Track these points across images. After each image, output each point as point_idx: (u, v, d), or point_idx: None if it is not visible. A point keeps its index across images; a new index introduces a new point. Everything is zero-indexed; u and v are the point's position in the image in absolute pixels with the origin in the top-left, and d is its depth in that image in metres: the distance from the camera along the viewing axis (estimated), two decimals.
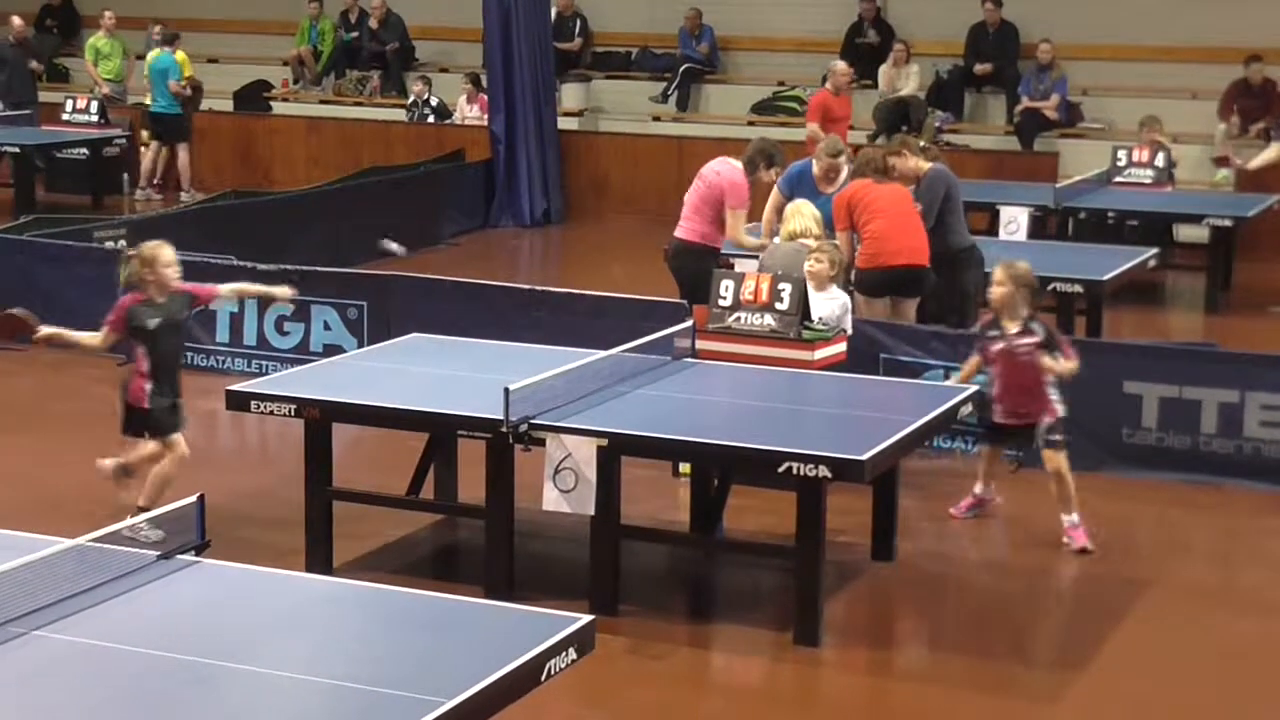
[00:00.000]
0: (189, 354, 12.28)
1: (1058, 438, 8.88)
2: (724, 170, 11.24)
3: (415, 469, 8.93)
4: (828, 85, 16.22)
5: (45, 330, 8.91)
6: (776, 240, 10.89)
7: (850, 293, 10.52)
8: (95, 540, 5.64)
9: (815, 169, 11.80)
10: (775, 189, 11.76)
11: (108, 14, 21.26)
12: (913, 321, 11.07)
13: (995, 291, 8.96)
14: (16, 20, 20.89)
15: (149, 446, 8.77)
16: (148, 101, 19.92)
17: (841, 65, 16.49)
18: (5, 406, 11.63)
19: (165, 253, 8.84)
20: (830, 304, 9.66)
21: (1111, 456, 10.00)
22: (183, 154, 19.81)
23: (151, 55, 19.79)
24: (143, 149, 19.88)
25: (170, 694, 4.81)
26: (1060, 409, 8.91)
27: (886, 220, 10.89)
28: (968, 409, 8.64)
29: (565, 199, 19.38)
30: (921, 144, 11.88)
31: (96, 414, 11.37)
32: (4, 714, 4.67)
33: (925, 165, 11.34)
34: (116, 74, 21.28)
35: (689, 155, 18.35)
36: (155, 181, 19.89)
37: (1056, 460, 8.87)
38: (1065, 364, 8.86)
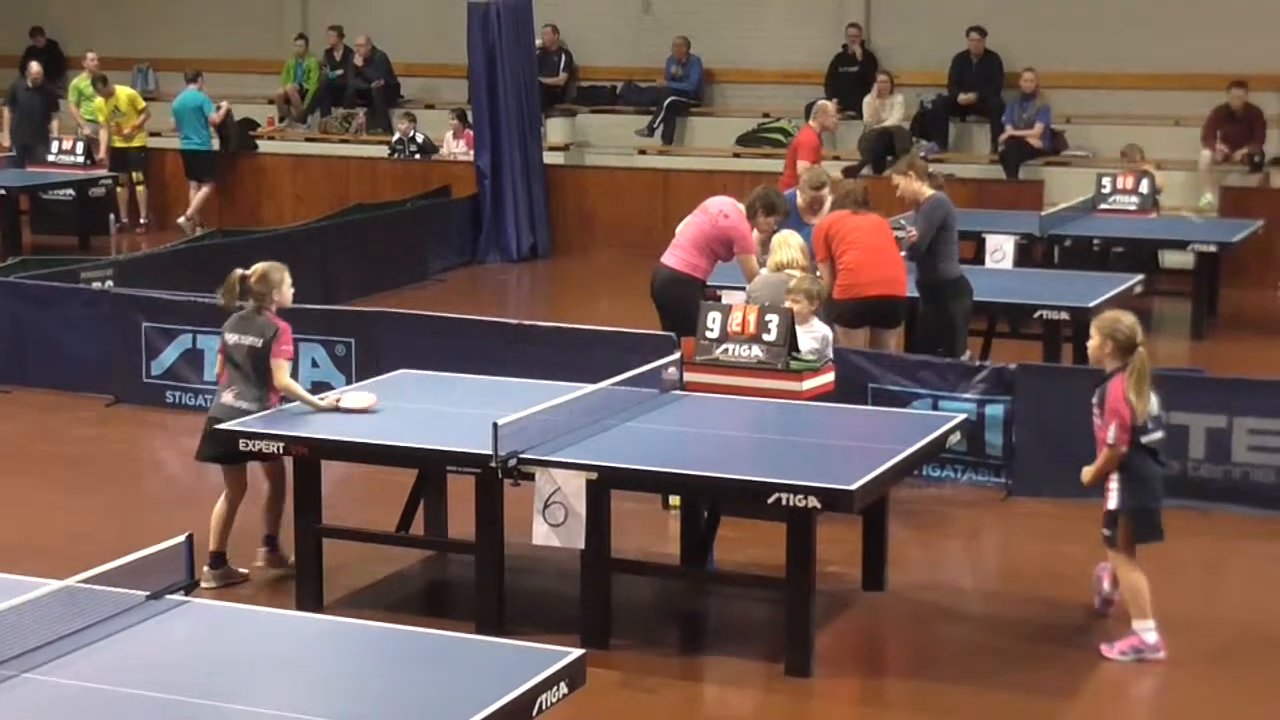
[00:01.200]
0: (177, 393, 12.31)
1: (1105, 532, 7.83)
2: (733, 216, 11.25)
3: (405, 505, 8.92)
4: (813, 123, 15.86)
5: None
6: (764, 271, 10.91)
7: (829, 324, 10.55)
8: (83, 581, 5.63)
9: (799, 201, 11.86)
10: None
11: (90, 55, 21.36)
12: (893, 351, 11.10)
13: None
14: (35, 66, 21.12)
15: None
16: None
17: (831, 106, 16.46)
18: None
19: (287, 274, 8.85)
20: (809, 340, 9.65)
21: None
22: (205, 190, 20.16)
23: (180, 95, 20.14)
24: (120, 190, 20.01)
25: None
26: (1112, 496, 7.78)
27: (862, 251, 10.92)
28: (956, 437, 8.65)
29: (552, 233, 19.41)
30: (929, 171, 11.89)
31: (83, 455, 11.39)
32: None
33: (928, 191, 11.37)
34: (97, 114, 21.32)
35: (675, 188, 18.42)
36: (125, 219, 20.07)
37: (1110, 558, 7.92)
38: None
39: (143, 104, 20.27)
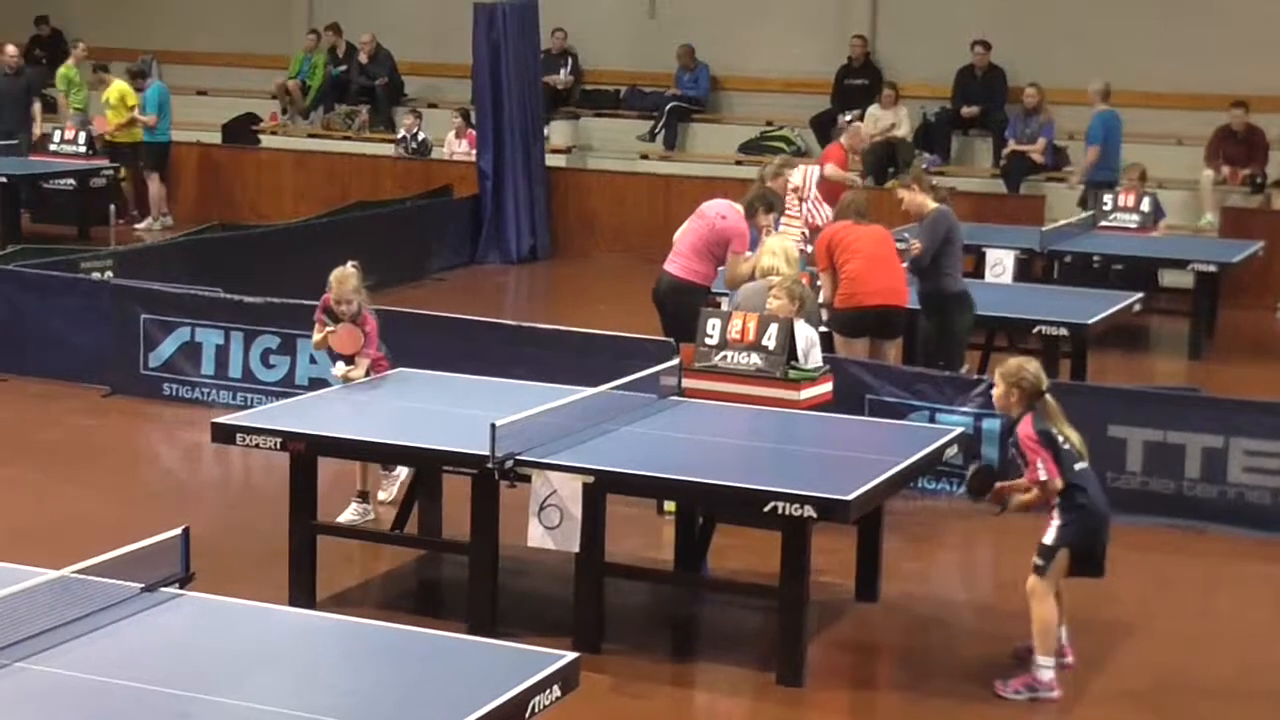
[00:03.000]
0: (174, 386, 12.30)
1: (1037, 562, 7.56)
2: (730, 216, 11.27)
3: (400, 504, 8.91)
4: (844, 140, 15.89)
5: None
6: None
7: (825, 333, 10.55)
8: (77, 572, 5.62)
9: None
10: None
11: (80, 44, 21.33)
12: (893, 362, 11.10)
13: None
14: (10, 49, 20.86)
15: None
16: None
17: (865, 130, 16.50)
18: None
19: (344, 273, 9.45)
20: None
21: None
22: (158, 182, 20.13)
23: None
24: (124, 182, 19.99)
25: None
26: (1052, 531, 7.56)
27: (864, 260, 10.94)
28: (953, 450, 8.65)
29: (552, 236, 19.40)
30: (933, 183, 11.89)
31: (79, 446, 11.38)
32: None
33: (931, 205, 11.37)
34: (85, 104, 21.29)
35: (676, 194, 18.41)
36: (134, 211, 20.06)
37: (1029, 584, 7.62)
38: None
39: (134, 100, 20.08)
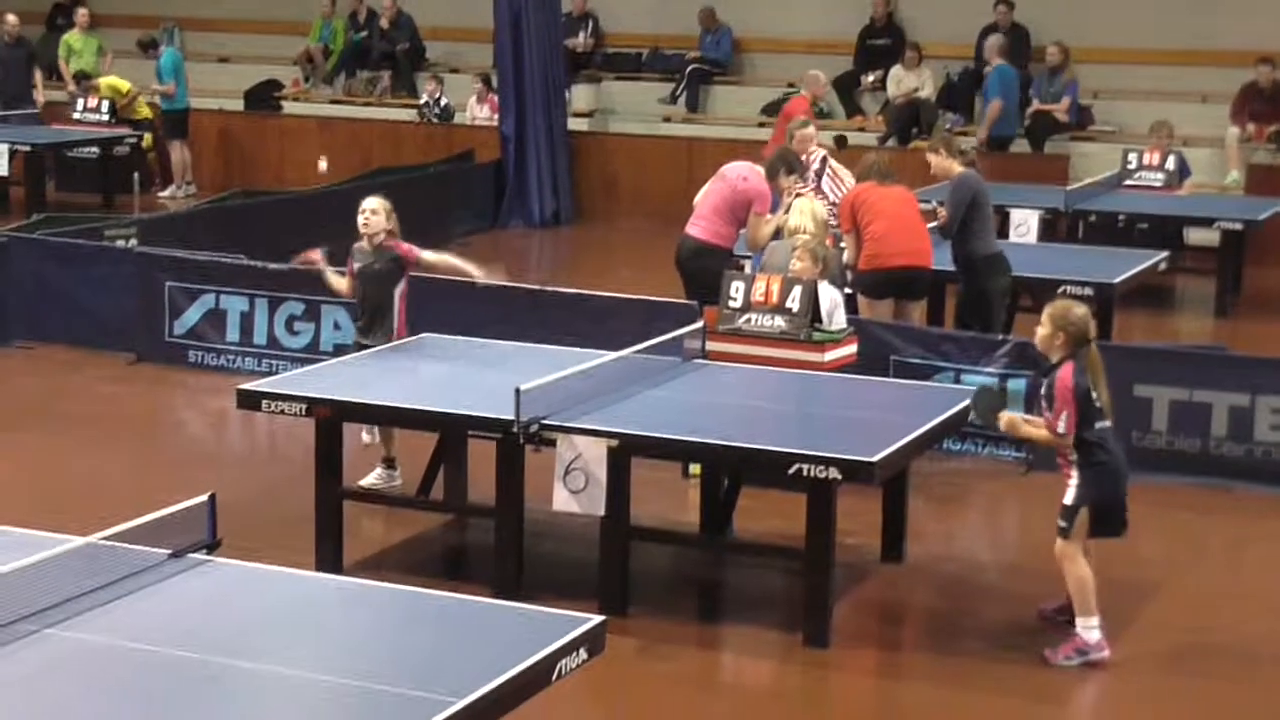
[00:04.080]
0: (200, 353, 12.33)
1: (1060, 524, 7.52)
2: (751, 178, 11.23)
3: (425, 469, 8.94)
4: (804, 91, 17.05)
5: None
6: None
7: (850, 295, 10.52)
8: (105, 539, 5.64)
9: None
10: None
11: (82, 11, 21.33)
12: (917, 323, 11.06)
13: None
14: (11, 17, 20.84)
15: None
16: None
17: (822, 76, 17.67)
18: (14, 405, 11.65)
19: (364, 201, 9.45)
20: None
21: None
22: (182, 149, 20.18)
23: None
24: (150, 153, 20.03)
25: (180, 692, 4.82)
26: (1071, 490, 7.50)
27: (888, 221, 10.90)
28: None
29: (575, 200, 19.37)
30: (961, 147, 11.81)
31: (106, 414, 11.42)
32: (15, 711, 4.68)
33: (957, 168, 11.30)
34: (94, 69, 21.27)
35: (699, 156, 18.36)
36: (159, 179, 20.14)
37: (1057, 548, 7.57)
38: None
39: (126, 87, 20.12)
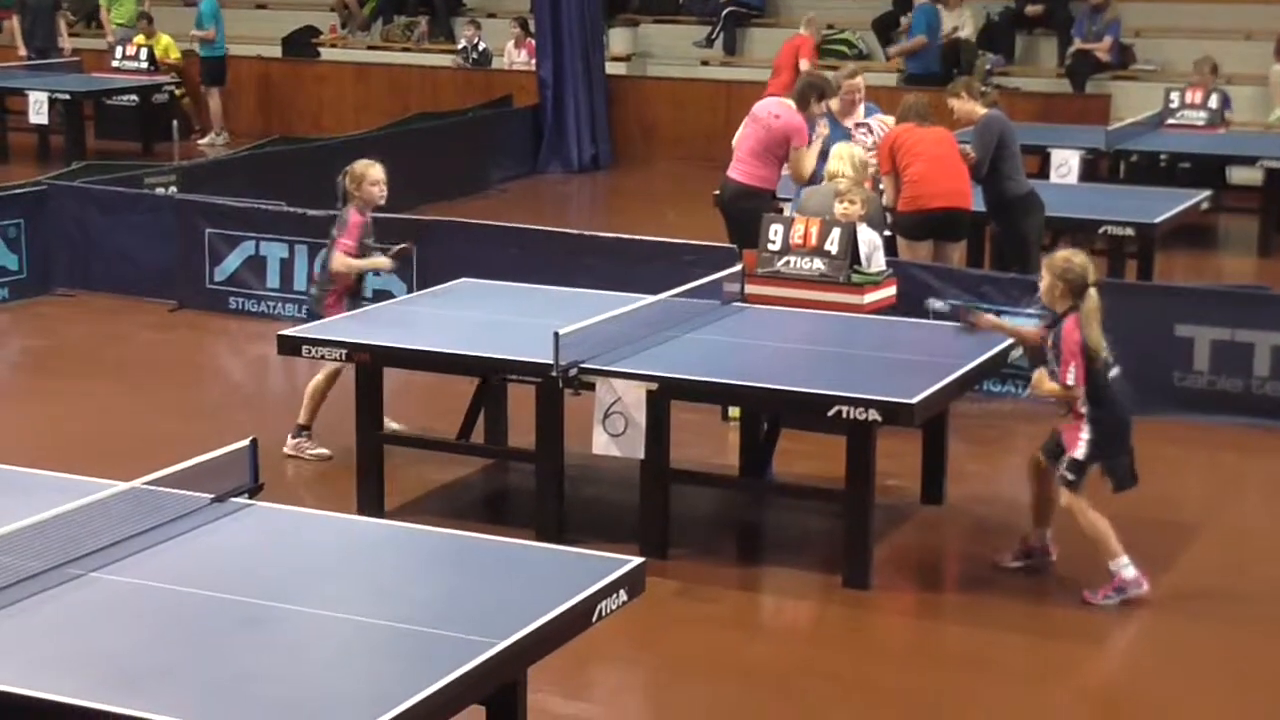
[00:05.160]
0: (240, 300, 12.38)
1: (1068, 476, 7.54)
2: (783, 114, 11.13)
3: (465, 413, 8.97)
4: (805, 31, 18.38)
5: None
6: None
7: (889, 237, 10.47)
8: (149, 483, 5.68)
9: (833, 104, 11.59)
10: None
11: None
12: (956, 265, 11.02)
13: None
14: None
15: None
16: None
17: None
18: (60, 353, 11.73)
19: (373, 171, 9.28)
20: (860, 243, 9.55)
21: (1163, 400, 9.92)
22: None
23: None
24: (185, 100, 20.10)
25: (224, 633, 4.86)
26: (1081, 446, 7.51)
27: (927, 163, 10.84)
28: (1018, 352, 8.59)
29: (613, 144, 19.34)
30: (981, 89, 11.73)
31: (148, 360, 11.49)
32: (63, 653, 4.73)
33: (981, 110, 11.24)
34: (129, 20, 21.31)
35: (737, 99, 18.26)
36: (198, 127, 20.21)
37: (1064, 501, 7.62)
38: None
39: (176, 53, 20.28)
